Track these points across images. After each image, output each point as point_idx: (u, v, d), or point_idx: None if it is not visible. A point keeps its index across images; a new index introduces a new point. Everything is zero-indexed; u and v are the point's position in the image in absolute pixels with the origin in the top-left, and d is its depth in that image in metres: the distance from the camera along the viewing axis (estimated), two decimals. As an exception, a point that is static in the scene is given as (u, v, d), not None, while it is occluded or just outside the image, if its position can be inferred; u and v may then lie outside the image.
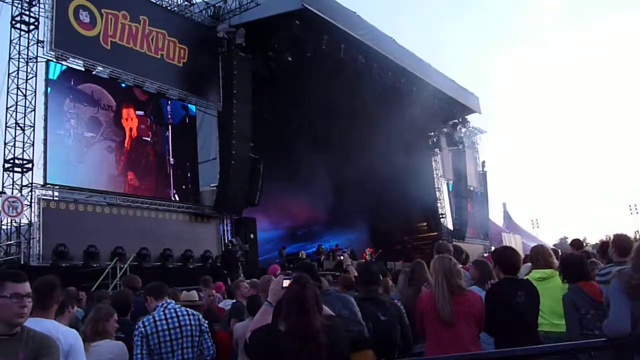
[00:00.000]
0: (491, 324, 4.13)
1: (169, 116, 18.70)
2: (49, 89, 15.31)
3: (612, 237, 4.89)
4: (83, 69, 16.14)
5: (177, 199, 18.32)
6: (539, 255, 5.15)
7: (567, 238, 47.32)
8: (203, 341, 4.65)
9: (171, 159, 18.38)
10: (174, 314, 4.56)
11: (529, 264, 6.02)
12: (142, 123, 17.78)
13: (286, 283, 3.12)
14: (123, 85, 17.32)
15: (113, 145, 16.76)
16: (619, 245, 4.64)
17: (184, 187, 18.66)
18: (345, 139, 26.00)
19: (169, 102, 18.66)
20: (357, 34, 21.12)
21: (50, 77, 15.45)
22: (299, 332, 2.82)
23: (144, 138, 17.77)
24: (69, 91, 15.87)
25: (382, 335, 4.29)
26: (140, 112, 17.77)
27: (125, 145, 17.12)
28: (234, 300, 6.82)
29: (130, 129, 17.36)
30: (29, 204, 14.49)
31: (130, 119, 17.41)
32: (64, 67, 15.84)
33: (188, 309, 4.81)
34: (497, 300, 4.16)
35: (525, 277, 4.79)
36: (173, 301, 4.82)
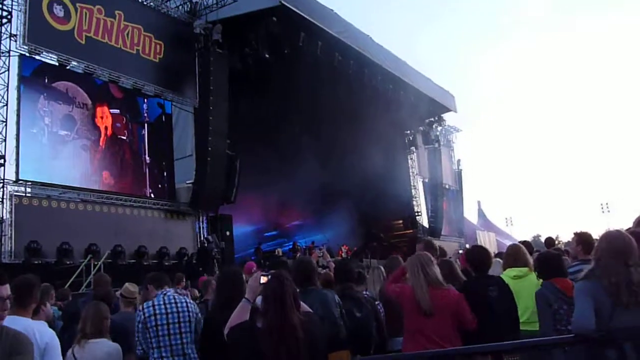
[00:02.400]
0: None
1: (145, 114, 18.55)
2: (21, 85, 15.05)
3: (574, 236, 4.99)
4: (57, 64, 15.91)
5: (153, 197, 18.23)
6: (515, 255, 5.23)
7: (540, 236, 47.97)
8: (199, 329, 4.70)
9: (147, 158, 18.24)
10: (172, 300, 4.64)
11: (498, 259, 6.13)
12: (118, 121, 17.57)
13: (264, 279, 3.15)
14: (99, 82, 17.12)
15: (88, 143, 16.55)
16: (584, 243, 4.75)
17: (159, 186, 18.50)
18: (322, 136, 26.04)
19: (145, 100, 18.52)
20: (334, 31, 21.17)
21: (24, 73, 15.18)
22: (277, 328, 2.85)
23: (119, 137, 17.58)
24: (42, 89, 15.61)
25: (357, 332, 4.33)
26: (116, 111, 17.55)
27: (100, 143, 16.91)
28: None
29: (105, 128, 17.15)
30: (0, 200, 14.25)
31: (105, 117, 17.17)
32: (38, 64, 15.58)
33: (186, 297, 4.88)
34: (471, 296, 4.24)
35: (499, 275, 4.91)
36: (172, 290, 4.87)
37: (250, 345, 2.89)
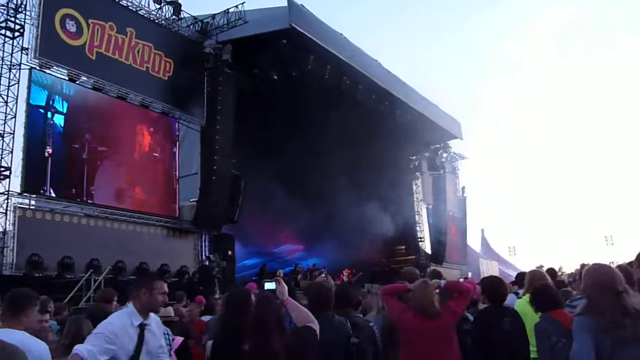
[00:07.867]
0: (477, 349, 4.20)
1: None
2: (31, 94, 15.20)
3: (579, 268, 4.94)
4: (67, 79, 16.06)
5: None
6: (534, 280, 5.16)
7: (543, 266, 47.59)
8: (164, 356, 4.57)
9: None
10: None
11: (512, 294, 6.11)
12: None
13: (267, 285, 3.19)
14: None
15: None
16: None
17: (188, 202, 19.27)
18: (327, 160, 26.04)
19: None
20: (343, 55, 21.29)
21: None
22: (259, 352, 2.85)
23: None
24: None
25: (355, 357, 4.29)
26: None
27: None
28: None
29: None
30: (4, 212, 14.27)
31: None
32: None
33: (167, 329, 4.73)
34: (484, 326, 4.22)
35: (518, 299, 4.91)
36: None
37: None
